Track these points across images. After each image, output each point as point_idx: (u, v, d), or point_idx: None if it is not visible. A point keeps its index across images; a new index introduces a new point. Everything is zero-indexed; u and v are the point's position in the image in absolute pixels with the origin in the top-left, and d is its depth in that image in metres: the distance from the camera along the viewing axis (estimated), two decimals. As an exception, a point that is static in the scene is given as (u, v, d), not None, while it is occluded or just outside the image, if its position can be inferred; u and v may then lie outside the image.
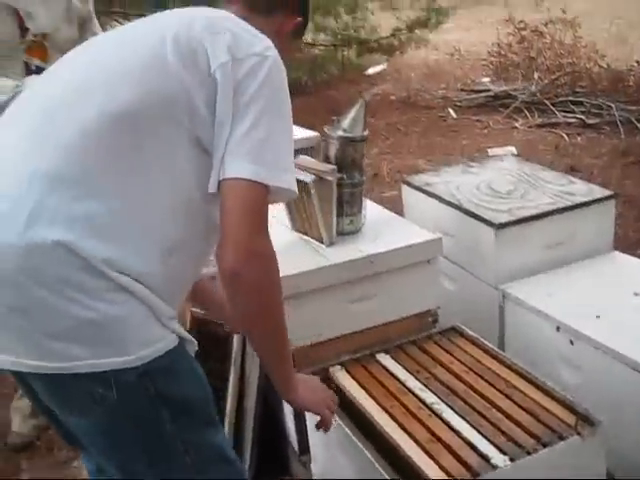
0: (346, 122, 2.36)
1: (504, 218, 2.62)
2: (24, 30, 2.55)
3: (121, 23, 9.11)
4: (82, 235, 1.30)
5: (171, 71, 1.40)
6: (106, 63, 1.46)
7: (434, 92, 8.58)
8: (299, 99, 8.24)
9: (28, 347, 1.32)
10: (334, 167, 2.28)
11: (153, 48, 1.44)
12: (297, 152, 4.85)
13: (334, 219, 2.33)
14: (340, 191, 2.33)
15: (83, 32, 2.74)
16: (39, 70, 2.51)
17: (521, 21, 9.33)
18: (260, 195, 1.39)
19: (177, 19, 1.54)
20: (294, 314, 2.22)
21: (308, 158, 2.38)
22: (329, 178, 2.24)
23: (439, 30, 9.23)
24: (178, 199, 1.42)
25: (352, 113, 2.37)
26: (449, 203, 2.79)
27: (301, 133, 5.11)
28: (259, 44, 1.47)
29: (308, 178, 2.20)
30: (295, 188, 1.46)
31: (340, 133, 2.35)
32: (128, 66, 1.43)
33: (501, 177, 3.02)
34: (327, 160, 2.36)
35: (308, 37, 8.66)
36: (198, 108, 1.39)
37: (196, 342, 1.53)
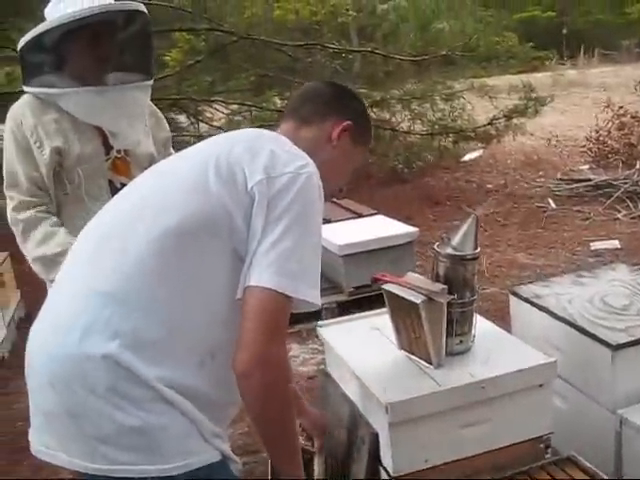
0: (456, 239, 2.30)
1: (621, 338, 2.48)
2: (108, 148, 2.56)
3: (221, 112, 9.42)
4: (129, 349, 1.43)
5: (213, 194, 1.53)
6: (154, 192, 1.63)
7: (532, 181, 8.46)
8: (394, 188, 8.30)
9: (80, 448, 1.46)
10: (444, 287, 2.21)
11: (198, 175, 1.57)
12: (395, 248, 4.86)
13: (444, 340, 2.25)
14: (450, 311, 2.25)
15: (165, 153, 2.76)
16: (123, 188, 2.51)
17: (621, 107, 9.18)
18: (280, 305, 1.48)
19: (221, 145, 1.67)
20: (400, 440, 2.16)
21: (417, 276, 2.32)
22: (440, 300, 2.17)
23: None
24: (219, 308, 1.53)
25: (463, 229, 2.31)
26: (561, 319, 2.66)
27: (399, 228, 5.10)
28: (295, 162, 1.58)
29: (418, 299, 2.14)
30: (318, 301, 1.53)
31: (450, 251, 2.28)
32: (174, 192, 1.58)
33: (615, 289, 2.88)
34: (437, 279, 2.29)
35: (404, 126, 8.73)
36: (238, 225, 1.52)
37: (240, 462, 1.61)
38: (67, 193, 2.50)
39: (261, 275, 1.46)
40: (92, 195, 2.50)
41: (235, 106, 7.94)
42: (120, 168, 2.58)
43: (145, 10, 2.56)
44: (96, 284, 1.50)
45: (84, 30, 2.39)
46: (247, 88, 8.38)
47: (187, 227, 1.50)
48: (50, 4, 2.47)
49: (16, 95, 2.60)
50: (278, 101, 8.26)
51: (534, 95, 8.60)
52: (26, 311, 5.20)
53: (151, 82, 2.64)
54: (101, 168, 2.53)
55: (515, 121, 8.64)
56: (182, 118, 9.10)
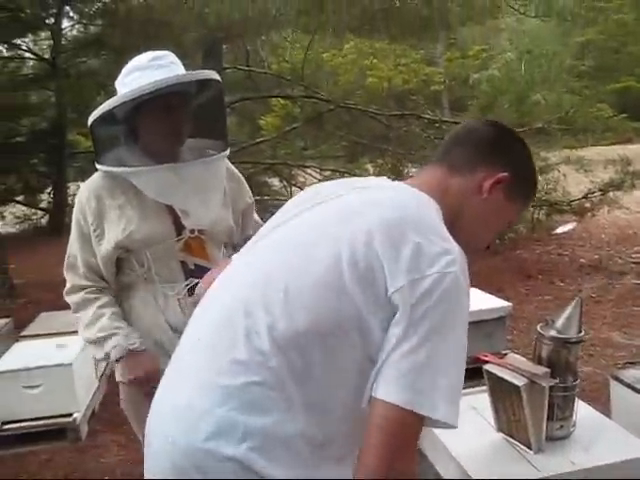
0: (560, 322, 2.25)
1: None
2: (180, 228, 2.39)
3: (314, 177, 9.56)
4: (257, 451, 1.32)
5: (348, 293, 1.36)
6: (278, 278, 1.44)
7: (627, 256, 8.24)
8: (486, 259, 8.20)
9: None
10: (547, 371, 2.16)
11: (328, 267, 1.39)
12: (488, 322, 4.78)
13: (544, 425, 2.19)
14: (552, 395, 2.20)
15: (244, 220, 2.63)
16: (198, 269, 2.38)
17: None
18: (407, 422, 1.31)
19: (355, 225, 1.44)
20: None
21: (519, 357, 2.28)
22: (542, 383, 2.12)
23: (629, 187, 8.97)
24: (348, 411, 1.40)
25: (567, 312, 2.26)
26: (667, 407, 2.57)
27: (493, 302, 5.03)
28: (441, 259, 1.36)
29: (520, 382, 2.10)
30: (455, 422, 1.33)
31: (553, 334, 2.24)
32: (303, 286, 1.40)
33: None
34: (539, 361, 2.24)
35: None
36: (372, 330, 1.35)
37: None
38: (138, 276, 2.38)
39: (389, 388, 1.31)
40: (164, 277, 2.37)
41: (328, 172, 8.05)
42: (194, 248, 2.42)
43: (218, 78, 2.43)
44: (218, 377, 1.38)
45: (157, 103, 2.25)
46: (340, 154, 8.50)
47: (316, 329, 1.36)
48: (120, 76, 2.34)
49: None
50: (370, 168, 8.34)
51: (631, 168, 8.43)
52: (118, 366, 5.29)
53: (226, 153, 2.50)
54: (172, 249, 2.37)
55: (610, 195, 8.48)
56: (275, 182, 9.26)
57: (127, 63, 2.35)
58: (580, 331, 2.27)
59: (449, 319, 1.34)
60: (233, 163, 2.63)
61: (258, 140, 8.00)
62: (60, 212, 13.86)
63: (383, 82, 17.08)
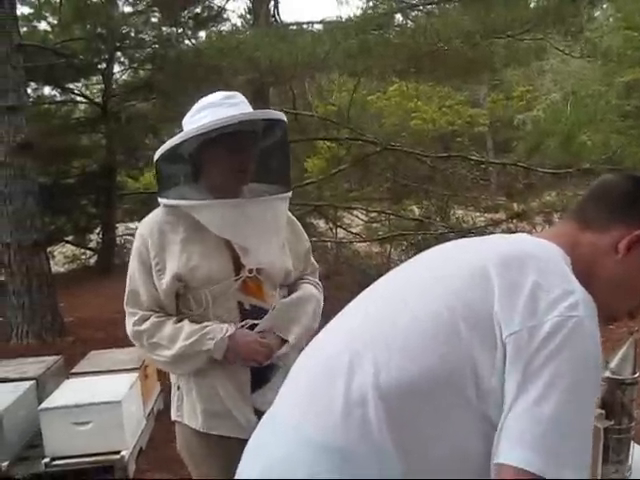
0: (614, 362, 2.23)
1: None
2: (238, 267, 2.36)
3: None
4: None
5: (462, 339, 1.25)
6: (389, 327, 1.35)
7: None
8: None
9: None
10: (602, 412, 2.13)
11: (439, 315, 1.29)
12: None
13: (599, 468, 2.16)
14: (607, 437, 2.17)
15: (303, 263, 2.62)
16: (254, 310, 2.38)
17: None
18: None
19: (466, 269, 1.35)
20: None
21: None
22: (597, 425, 2.09)
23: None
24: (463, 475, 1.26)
25: (621, 352, 2.23)
26: None
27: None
28: (562, 302, 1.23)
29: (574, 423, 2.07)
30: None
31: (608, 374, 2.21)
32: (412, 333, 1.30)
33: None
34: (593, 403, 2.21)
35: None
36: (488, 382, 1.22)
37: None
38: (194, 314, 2.36)
39: (512, 449, 1.17)
40: (220, 317, 2.34)
41: (374, 213, 8.08)
42: (251, 288, 2.39)
43: (285, 119, 2.46)
44: (314, 434, 1.28)
45: (223, 139, 2.28)
46: (386, 196, 8.53)
47: (424, 384, 1.24)
48: (188, 114, 2.37)
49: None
50: (416, 210, 8.35)
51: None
52: (165, 403, 5.31)
53: (289, 194, 2.49)
54: (230, 289, 2.34)
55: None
56: (321, 223, 9.30)
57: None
58: (635, 372, 2.24)
59: (575, 369, 1.20)
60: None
61: (305, 182, 8.06)
62: (109, 252, 14.07)
63: (427, 124, 17.17)
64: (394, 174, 7.95)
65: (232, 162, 2.34)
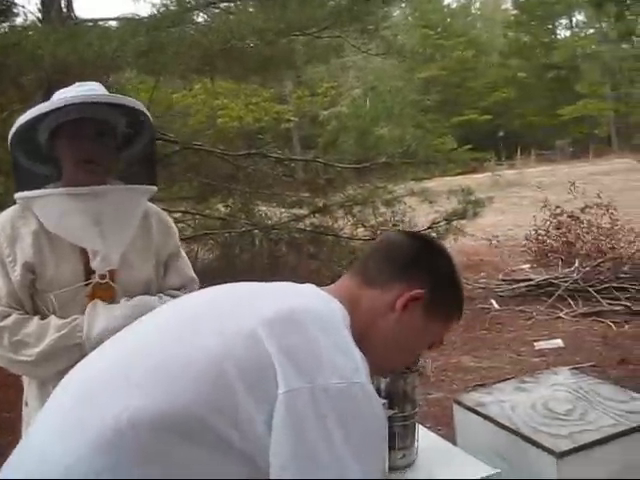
0: (396, 352, 2.29)
1: (565, 445, 2.47)
2: (89, 271, 2.17)
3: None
4: None
5: (229, 382, 1.22)
6: (151, 362, 1.30)
7: (474, 282, 8.57)
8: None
9: None
10: (384, 402, 2.19)
11: (210, 353, 1.26)
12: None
13: (386, 455, 2.21)
14: (392, 425, 2.22)
15: (166, 272, 2.39)
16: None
17: (557, 206, 9.46)
18: None
19: (238, 328, 1.30)
20: None
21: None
22: (380, 414, 2.14)
23: (474, 214, 9.38)
24: None
25: (402, 342, 2.31)
26: (505, 427, 2.64)
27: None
28: (347, 367, 1.24)
29: (358, 414, 2.11)
30: None
31: (390, 364, 2.27)
32: (179, 376, 1.25)
33: (557, 394, 2.88)
34: (378, 393, 2.25)
35: (347, 231, 8.85)
36: (250, 424, 1.21)
37: None
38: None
39: None
40: None
41: (178, 213, 7.97)
42: (102, 296, 2.17)
43: (142, 107, 2.24)
44: (68, 458, 1.21)
45: (64, 126, 2.12)
46: (190, 196, 8.43)
47: (180, 420, 1.20)
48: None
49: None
50: (222, 209, 8.32)
51: (472, 198, 8.82)
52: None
53: (150, 188, 2.30)
54: (78, 295, 2.15)
55: (455, 224, 8.83)
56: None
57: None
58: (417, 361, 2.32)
59: (361, 434, 1.21)
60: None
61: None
62: None
63: (234, 121, 17.17)
64: (197, 173, 7.85)
65: (74, 150, 2.16)
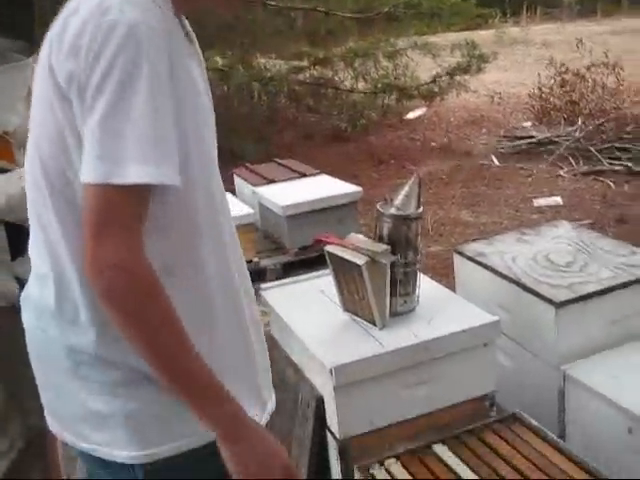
0: (399, 199, 2.26)
1: (565, 295, 2.48)
2: None
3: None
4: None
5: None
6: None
7: (475, 138, 8.47)
8: (338, 147, 8.24)
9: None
10: (387, 247, 2.17)
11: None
12: (339, 208, 4.82)
13: (387, 301, 2.22)
14: (394, 271, 2.22)
15: None
16: (3, 172, 2.10)
17: (562, 64, 9.23)
18: (108, 198, 1.15)
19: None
20: (345, 403, 2.13)
21: (360, 236, 2.28)
22: (383, 260, 2.13)
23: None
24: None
25: (405, 189, 2.27)
26: (505, 277, 2.65)
27: (343, 188, 5.05)
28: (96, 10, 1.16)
29: (360, 260, 2.10)
30: (164, 179, 1.16)
31: (393, 211, 2.24)
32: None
33: (558, 247, 2.88)
34: (380, 239, 2.25)
35: (347, 84, 8.65)
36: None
37: None
38: None
39: (83, 168, 1.16)
40: None
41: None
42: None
43: None
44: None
45: None
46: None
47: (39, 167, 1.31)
48: None
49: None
50: (219, 60, 8.09)
51: (477, 52, 8.58)
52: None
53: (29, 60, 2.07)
54: None
55: (458, 78, 8.63)
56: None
57: None
58: (419, 207, 2.29)
59: (121, 71, 1.14)
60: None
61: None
62: None
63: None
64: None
65: None
